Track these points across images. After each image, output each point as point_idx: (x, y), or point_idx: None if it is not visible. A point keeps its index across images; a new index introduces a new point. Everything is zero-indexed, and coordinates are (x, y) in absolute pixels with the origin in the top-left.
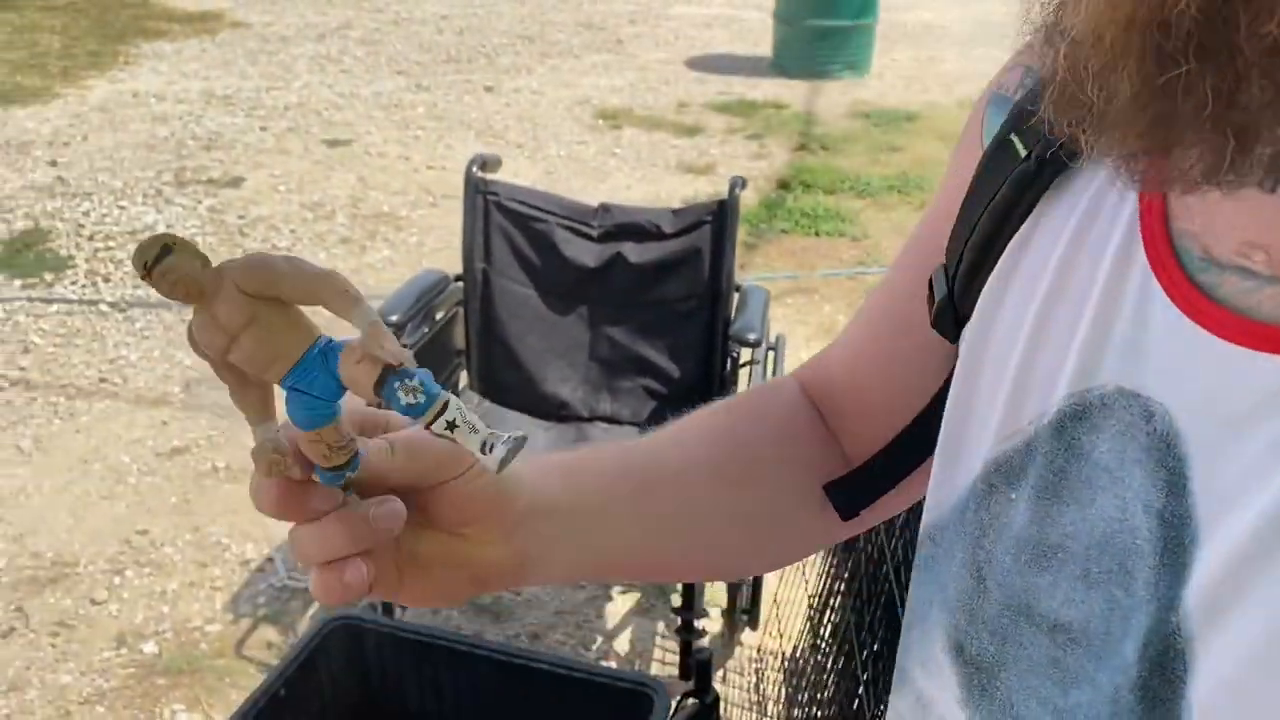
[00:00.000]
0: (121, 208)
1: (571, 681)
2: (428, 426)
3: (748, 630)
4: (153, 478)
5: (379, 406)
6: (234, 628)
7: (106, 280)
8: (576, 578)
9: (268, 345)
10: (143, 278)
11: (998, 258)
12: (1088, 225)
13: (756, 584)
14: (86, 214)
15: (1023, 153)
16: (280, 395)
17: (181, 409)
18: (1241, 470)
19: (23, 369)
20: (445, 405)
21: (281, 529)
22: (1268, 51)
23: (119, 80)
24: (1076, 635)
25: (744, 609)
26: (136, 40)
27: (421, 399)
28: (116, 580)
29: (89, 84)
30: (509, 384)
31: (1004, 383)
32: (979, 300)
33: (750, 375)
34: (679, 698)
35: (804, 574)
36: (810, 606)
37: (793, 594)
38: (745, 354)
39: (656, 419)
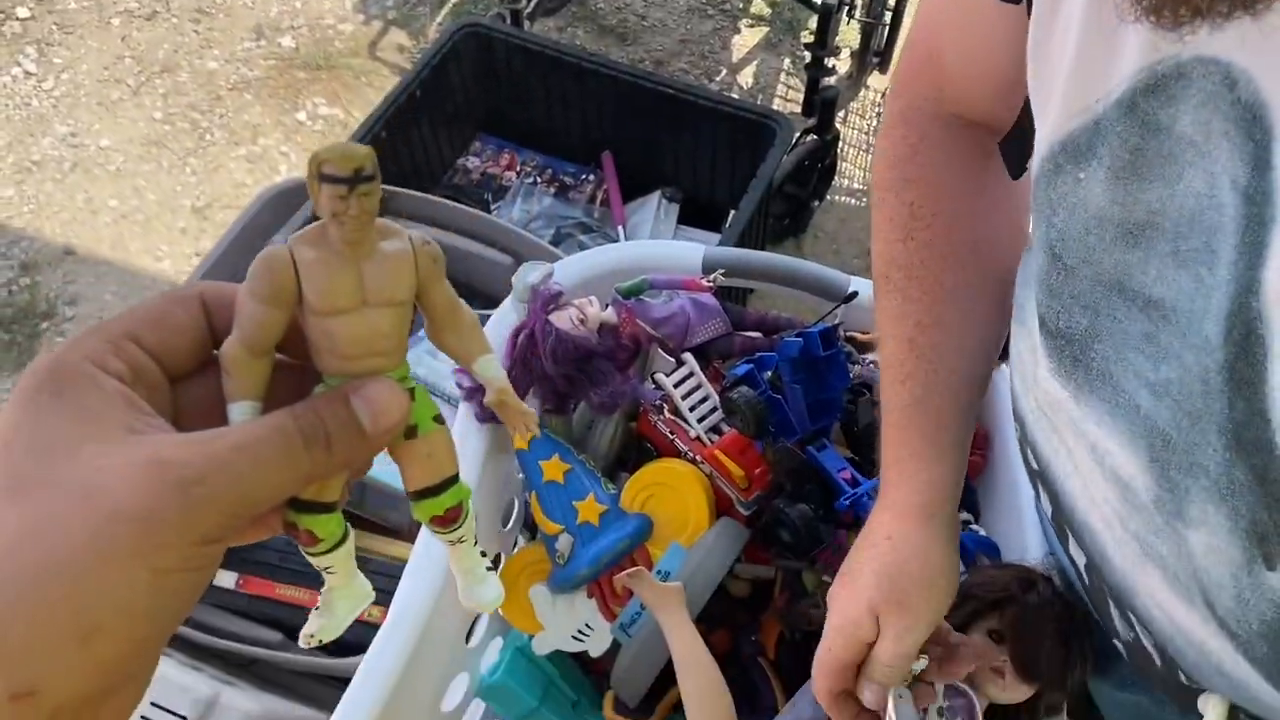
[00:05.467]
0: None
1: (696, 108)
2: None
3: (876, 73)
4: None
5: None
6: (365, 29)
7: None
8: None
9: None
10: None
11: None
12: None
13: (894, 23)
14: None
15: None
16: None
17: None
18: None
19: None
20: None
21: None
22: None
23: None
24: (1167, 312)
25: (877, 50)
26: None
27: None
28: None
29: None
30: None
31: (1065, 55)
32: None
33: None
34: (799, 133)
35: None
36: None
37: None
38: None
39: None
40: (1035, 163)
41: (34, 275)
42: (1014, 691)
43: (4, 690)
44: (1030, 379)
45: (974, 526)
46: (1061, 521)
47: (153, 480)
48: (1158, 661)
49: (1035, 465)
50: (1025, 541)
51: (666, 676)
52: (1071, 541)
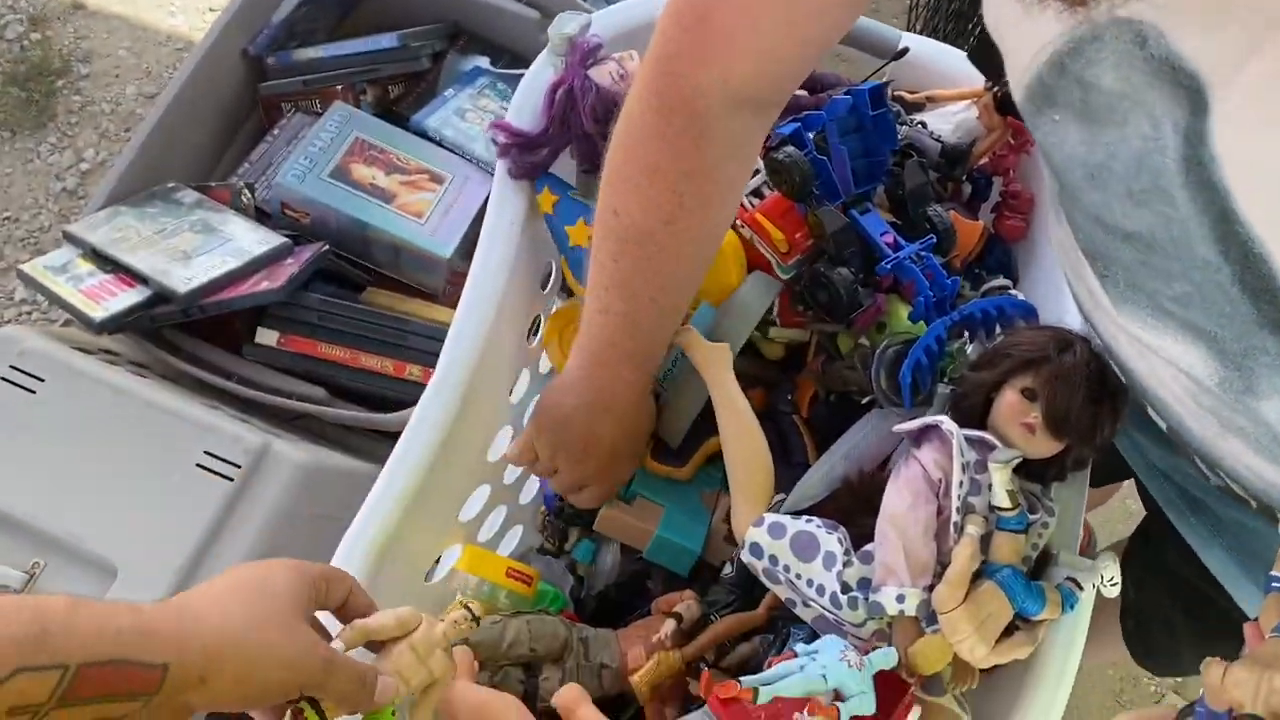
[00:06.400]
0: None
1: None
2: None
3: None
4: None
5: None
6: None
7: None
8: None
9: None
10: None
11: None
12: None
13: None
14: None
15: None
16: None
17: None
18: (1262, 78)
19: None
20: None
21: None
22: None
23: None
24: (1151, 242)
25: None
26: None
27: None
28: None
29: None
30: None
31: (1006, 8)
32: None
33: None
34: None
35: None
36: None
37: None
38: None
39: None
40: (1015, 95)
41: (44, 30)
42: (1043, 446)
43: (201, 672)
44: (1075, 275)
45: (1013, 291)
46: (1135, 396)
47: (312, 655)
48: (1253, 505)
49: (1099, 343)
50: (1063, 306)
51: (699, 429)
52: (1150, 409)
